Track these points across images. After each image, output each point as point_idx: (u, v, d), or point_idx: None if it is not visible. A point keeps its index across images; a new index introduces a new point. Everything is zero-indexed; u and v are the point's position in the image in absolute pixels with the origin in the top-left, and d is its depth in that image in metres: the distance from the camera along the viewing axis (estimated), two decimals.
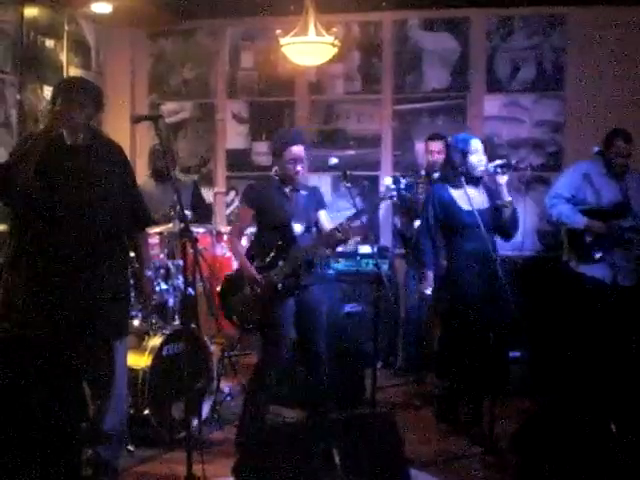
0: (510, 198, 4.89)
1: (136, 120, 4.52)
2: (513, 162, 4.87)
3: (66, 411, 3.65)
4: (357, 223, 4.80)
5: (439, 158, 6.48)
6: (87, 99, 3.75)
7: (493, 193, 4.94)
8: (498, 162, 4.81)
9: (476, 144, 4.89)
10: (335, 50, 6.25)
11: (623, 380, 5.12)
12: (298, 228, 4.78)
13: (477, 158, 4.85)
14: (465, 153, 4.86)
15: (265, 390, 4.74)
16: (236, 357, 5.96)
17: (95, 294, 3.76)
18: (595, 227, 5.50)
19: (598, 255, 5.51)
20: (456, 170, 4.88)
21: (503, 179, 4.82)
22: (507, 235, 5.06)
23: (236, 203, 7.79)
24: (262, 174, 7.70)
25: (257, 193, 4.83)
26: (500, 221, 4.90)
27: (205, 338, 5.18)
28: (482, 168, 4.85)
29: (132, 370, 4.62)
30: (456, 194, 4.87)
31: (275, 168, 4.85)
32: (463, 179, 4.83)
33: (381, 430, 3.78)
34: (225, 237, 5.99)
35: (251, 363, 6.42)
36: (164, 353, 4.81)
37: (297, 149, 4.74)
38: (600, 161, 5.65)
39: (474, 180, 4.91)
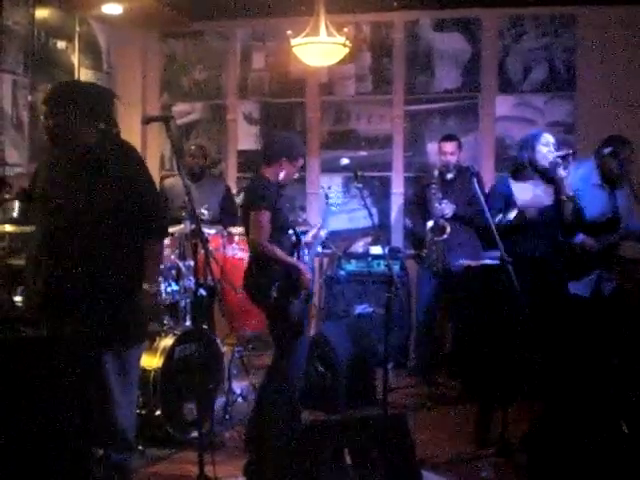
0: (571, 193, 4.83)
1: (147, 121, 4.48)
2: (570, 151, 4.80)
3: (76, 412, 3.66)
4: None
5: (452, 159, 6.47)
6: (61, 107, 3.68)
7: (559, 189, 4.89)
8: (559, 152, 4.77)
9: (548, 137, 4.85)
10: (346, 51, 6.24)
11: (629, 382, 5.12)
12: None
13: (547, 149, 4.80)
14: (534, 145, 4.82)
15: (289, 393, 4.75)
16: (248, 357, 5.95)
17: (87, 304, 3.70)
18: (588, 245, 5.46)
19: (583, 271, 5.51)
20: (523, 164, 4.86)
21: (564, 171, 4.76)
22: (570, 231, 5.01)
23: None
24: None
25: (271, 195, 4.65)
26: (563, 217, 4.85)
27: (217, 338, 5.18)
28: (550, 159, 4.79)
29: (144, 371, 4.61)
30: (517, 187, 4.81)
31: (284, 171, 4.71)
32: (530, 172, 4.82)
33: (393, 431, 3.78)
34: (236, 238, 5.98)
35: (263, 363, 6.43)
36: (175, 354, 4.81)
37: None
38: (594, 170, 5.55)
39: (543, 174, 4.85)
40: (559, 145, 4.99)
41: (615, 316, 5.56)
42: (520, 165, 4.91)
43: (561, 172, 4.75)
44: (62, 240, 3.67)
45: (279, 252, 4.56)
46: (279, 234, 4.65)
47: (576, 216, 4.93)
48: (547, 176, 4.85)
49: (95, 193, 3.67)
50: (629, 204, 5.52)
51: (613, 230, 5.48)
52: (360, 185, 4.87)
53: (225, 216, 6.57)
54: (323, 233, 5.04)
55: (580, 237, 5.47)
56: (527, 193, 4.82)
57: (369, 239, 7.33)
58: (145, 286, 3.78)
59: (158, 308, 4.39)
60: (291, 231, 4.76)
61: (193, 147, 6.83)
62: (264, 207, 4.54)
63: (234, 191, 7.26)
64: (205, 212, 5.52)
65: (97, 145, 3.73)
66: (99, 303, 3.68)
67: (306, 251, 4.83)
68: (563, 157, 4.75)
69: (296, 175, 4.88)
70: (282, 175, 4.71)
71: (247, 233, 4.75)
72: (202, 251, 3.91)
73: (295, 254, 4.69)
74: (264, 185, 4.69)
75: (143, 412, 4.62)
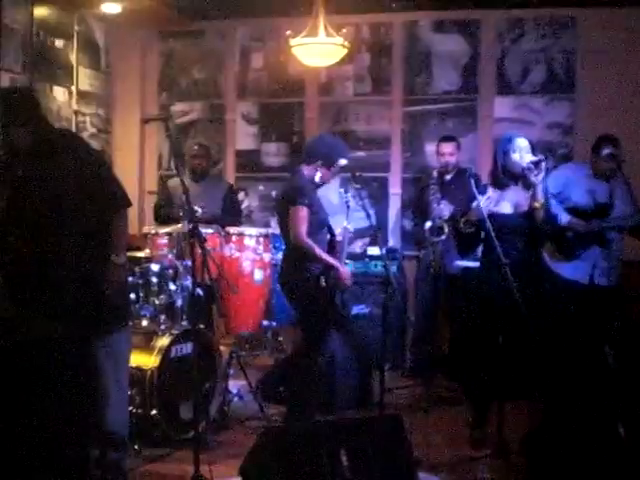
0: (542, 200, 4.78)
1: (146, 121, 4.49)
2: (542, 157, 4.75)
3: (72, 412, 3.65)
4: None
5: (451, 159, 6.49)
6: None
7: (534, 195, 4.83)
8: (532, 158, 4.73)
9: (520, 142, 4.79)
10: (345, 51, 6.24)
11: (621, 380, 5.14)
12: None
13: (519, 155, 4.76)
14: (507, 151, 4.79)
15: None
16: (244, 357, 5.95)
17: (63, 291, 3.69)
18: (576, 225, 5.53)
19: (577, 252, 5.57)
20: (497, 170, 4.84)
21: (537, 178, 4.71)
22: (540, 239, 5.01)
23: (245, 204, 7.79)
24: (272, 175, 7.76)
25: (309, 193, 4.83)
26: (535, 224, 4.81)
27: (214, 338, 5.17)
28: (524, 165, 4.74)
29: (140, 370, 4.62)
30: (493, 196, 4.79)
31: (319, 173, 4.87)
32: (505, 180, 4.80)
33: (389, 432, 3.77)
34: (234, 238, 5.98)
35: (260, 363, 6.44)
36: (172, 353, 4.80)
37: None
38: (587, 164, 5.70)
39: (519, 180, 4.82)
40: (534, 150, 4.91)
41: (611, 310, 5.61)
42: (495, 172, 4.88)
43: (533, 178, 4.70)
44: (31, 243, 3.67)
45: (317, 250, 4.74)
46: (316, 231, 4.81)
47: (547, 224, 4.91)
48: (524, 181, 4.82)
49: (55, 190, 3.68)
50: (622, 194, 5.57)
51: (604, 217, 5.54)
52: (358, 186, 4.91)
53: (226, 215, 6.57)
54: (351, 227, 5.21)
55: (564, 218, 5.51)
56: (515, 201, 4.82)
57: (367, 240, 7.32)
58: (113, 257, 3.80)
59: (126, 279, 4.29)
60: (325, 229, 4.92)
61: (196, 147, 6.80)
62: (303, 203, 4.71)
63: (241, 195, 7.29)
64: (199, 209, 5.51)
65: (38, 144, 3.74)
66: (75, 293, 3.69)
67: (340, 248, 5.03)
68: (536, 163, 4.70)
69: (333, 178, 5.05)
70: (317, 177, 4.88)
71: (282, 228, 4.89)
72: (199, 251, 3.91)
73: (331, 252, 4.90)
74: (302, 182, 4.87)
75: (139, 411, 4.61)
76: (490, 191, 4.80)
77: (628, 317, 5.86)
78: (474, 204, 4.75)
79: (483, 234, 4.83)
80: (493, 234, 4.46)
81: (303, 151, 5.13)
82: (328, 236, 4.95)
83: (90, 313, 3.73)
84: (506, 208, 4.81)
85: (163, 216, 6.55)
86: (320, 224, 4.85)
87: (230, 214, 6.65)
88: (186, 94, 8.12)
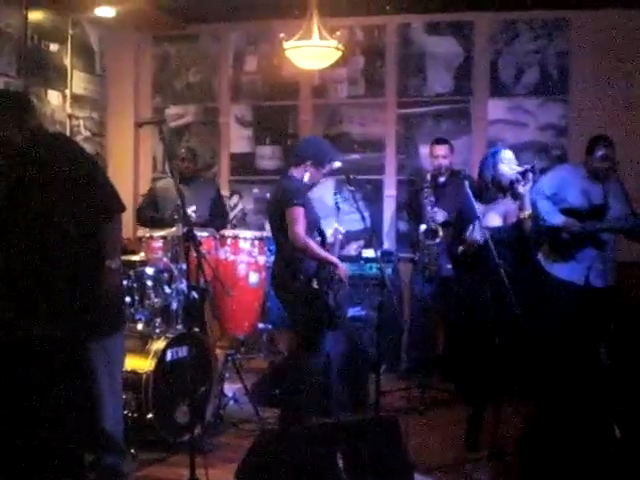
0: (529, 211, 4.77)
1: (140, 124, 4.49)
2: (528, 167, 4.75)
3: (67, 415, 3.65)
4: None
5: (444, 162, 6.49)
6: None
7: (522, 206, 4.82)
8: (519, 169, 4.73)
9: (507, 154, 4.81)
10: (339, 54, 6.24)
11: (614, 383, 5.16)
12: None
13: (508, 167, 4.77)
14: (496, 164, 4.80)
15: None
16: (240, 360, 5.93)
17: (57, 295, 3.69)
18: (571, 226, 5.57)
19: (572, 253, 5.62)
20: (486, 184, 4.84)
21: (524, 188, 4.71)
22: (533, 247, 5.02)
23: (240, 207, 7.79)
24: (266, 178, 7.75)
25: (303, 194, 4.87)
26: (524, 235, 4.80)
27: (209, 341, 5.17)
28: (511, 176, 4.74)
29: (135, 374, 4.61)
30: (481, 209, 4.78)
31: (308, 174, 4.92)
32: (493, 192, 4.81)
33: (385, 435, 3.77)
34: (228, 241, 5.97)
35: (255, 366, 6.44)
36: (168, 357, 4.80)
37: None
38: (582, 165, 5.74)
39: (507, 192, 4.83)
40: (520, 160, 4.91)
41: (606, 311, 5.65)
42: (484, 186, 4.88)
43: (520, 189, 4.70)
44: (26, 246, 3.66)
45: (317, 248, 4.80)
46: (307, 233, 4.82)
47: (536, 233, 4.92)
48: (512, 192, 4.82)
49: (49, 194, 3.68)
50: (617, 195, 5.61)
51: (600, 219, 5.58)
52: (352, 188, 4.92)
53: (214, 218, 6.57)
54: (342, 229, 5.24)
55: (559, 219, 5.53)
56: (495, 217, 4.83)
57: (361, 242, 7.33)
58: (107, 262, 3.78)
59: (121, 283, 4.26)
60: (316, 231, 4.96)
61: (184, 150, 6.81)
62: (297, 204, 4.76)
63: (226, 194, 7.26)
64: (193, 214, 5.52)
65: (32, 148, 3.73)
66: (69, 297, 3.68)
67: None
68: (522, 174, 4.70)
69: (322, 180, 5.09)
70: (306, 178, 4.91)
71: (273, 231, 4.97)
72: (194, 254, 3.90)
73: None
74: (295, 184, 4.92)
75: (135, 415, 4.60)
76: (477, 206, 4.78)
77: (623, 318, 5.87)
78: (467, 234, 4.77)
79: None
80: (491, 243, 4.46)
81: (292, 154, 5.16)
82: (319, 238, 4.96)
83: (85, 317, 3.72)
84: (495, 220, 4.81)
85: (146, 217, 6.55)
86: (311, 226, 4.87)
87: (218, 217, 6.67)
88: (180, 97, 8.12)
